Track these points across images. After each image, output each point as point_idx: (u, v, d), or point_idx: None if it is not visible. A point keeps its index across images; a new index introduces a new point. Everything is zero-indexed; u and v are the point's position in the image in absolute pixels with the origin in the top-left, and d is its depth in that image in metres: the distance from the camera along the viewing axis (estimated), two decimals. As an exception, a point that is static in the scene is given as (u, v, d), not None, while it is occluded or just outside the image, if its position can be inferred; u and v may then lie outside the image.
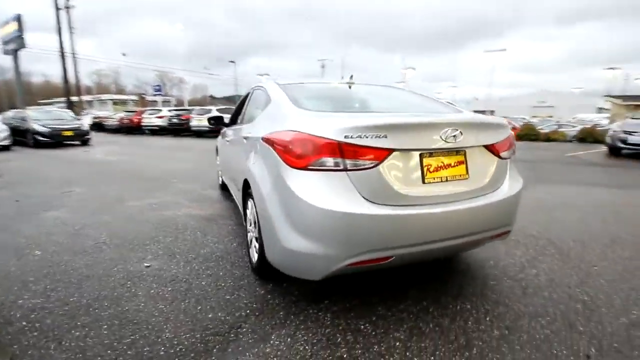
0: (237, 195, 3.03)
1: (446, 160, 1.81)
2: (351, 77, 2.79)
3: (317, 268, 1.72)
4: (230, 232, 3.21)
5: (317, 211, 1.61)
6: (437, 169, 1.78)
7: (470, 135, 1.84)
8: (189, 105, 32.25)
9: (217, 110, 17.28)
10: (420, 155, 1.75)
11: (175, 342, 1.67)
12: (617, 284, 2.23)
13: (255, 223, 2.26)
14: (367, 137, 1.63)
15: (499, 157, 2.00)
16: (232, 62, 45.28)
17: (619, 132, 8.39)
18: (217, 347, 1.64)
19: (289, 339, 1.69)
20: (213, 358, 1.56)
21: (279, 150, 1.79)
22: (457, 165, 1.84)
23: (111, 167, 7.16)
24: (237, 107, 4.06)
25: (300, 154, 1.68)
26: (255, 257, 2.30)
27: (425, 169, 1.76)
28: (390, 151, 1.66)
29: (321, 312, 1.92)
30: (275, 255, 1.89)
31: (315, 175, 1.65)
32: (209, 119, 4.27)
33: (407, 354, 1.59)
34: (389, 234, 1.65)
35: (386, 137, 1.65)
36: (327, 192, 1.63)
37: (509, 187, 2.03)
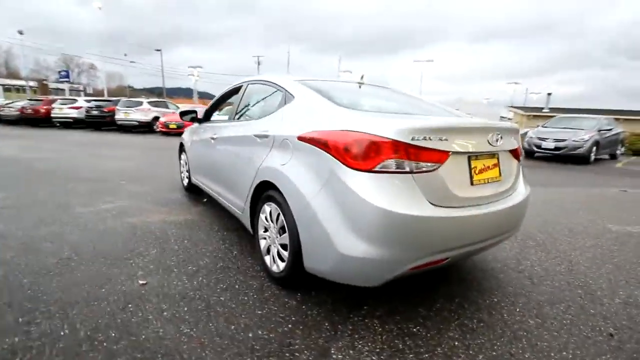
0: (233, 199, 2.76)
1: (487, 162, 1.90)
2: (362, 77, 2.76)
3: (379, 273, 1.65)
4: (222, 238, 2.92)
5: (385, 214, 1.55)
6: (481, 171, 1.86)
7: (504, 140, 1.96)
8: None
9: (150, 102, 15.72)
10: (469, 157, 1.81)
11: (228, 371, 1.45)
12: (596, 269, 2.60)
13: (278, 229, 2.09)
14: (431, 139, 1.62)
15: (518, 160, 2.18)
16: (158, 50, 41.14)
17: (534, 138, 9.90)
18: (278, 369, 1.47)
19: (351, 351, 1.60)
20: (280, 383, 1.39)
21: (335, 151, 1.67)
22: (493, 168, 1.94)
23: (35, 167, 5.96)
24: (215, 103, 3.73)
25: (366, 156, 1.59)
26: (277, 266, 2.12)
27: (472, 171, 1.82)
28: (449, 153, 1.68)
29: (367, 319, 1.85)
30: (323, 263, 1.76)
31: (382, 177, 1.58)
32: (181, 113, 3.83)
33: (470, 352, 1.62)
34: (450, 236, 1.67)
35: (447, 139, 1.67)
36: (394, 195, 1.57)
37: (524, 188, 2.23)
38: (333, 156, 1.68)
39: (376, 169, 1.58)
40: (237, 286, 2.15)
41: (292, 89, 2.26)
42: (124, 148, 9.44)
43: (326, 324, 1.80)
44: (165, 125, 14.35)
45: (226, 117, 3.52)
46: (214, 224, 3.28)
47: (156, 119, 14.89)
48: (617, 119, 13.23)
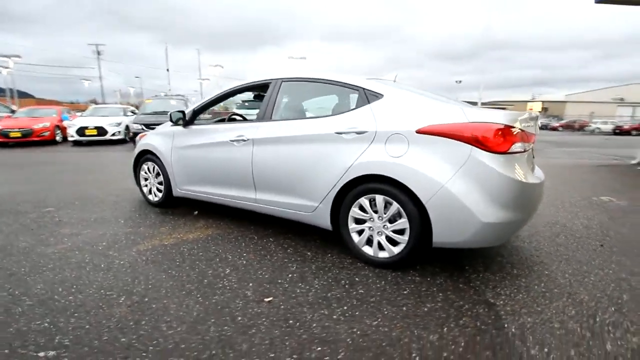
0: (292, 201, 2.66)
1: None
2: (395, 76, 3.05)
3: (507, 234, 2.09)
4: (279, 245, 2.77)
5: (520, 185, 1.99)
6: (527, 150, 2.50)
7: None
8: None
9: None
10: (526, 139, 2.42)
11: None
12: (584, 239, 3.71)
13: (388, 218, 2.25)
14: (528, 127, 2.14)
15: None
16: None
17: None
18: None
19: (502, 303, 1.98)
20: None
21: (474, 139, 1.98)
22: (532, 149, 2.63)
23: None
24: (209, 104, 3.36)
25: (504, 141, 1.97)
26: (389, 250, 2.28)
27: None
28: (534, 135, 2.24)
29: (478, 280, 2.26)
30: (460, 234, 2.04)
31: (513, 157, 2.01)
32: (172, 114, 3.28)
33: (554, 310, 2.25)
34: (538, 200, 2.24)
35: (530, 125, 2.22)
36: (522, 170, 2.03)
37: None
38: (471, 144, 1.99)
39: (510, 151, 1.99)
40: (350, 279, 2.20)
41: (375, 88, 2.41)
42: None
43: (461, 286, 2.12)
44: (4, 134, 10.80)
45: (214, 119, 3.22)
46: (245, 233, 3.02)
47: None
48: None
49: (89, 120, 11.52)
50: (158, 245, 2.75)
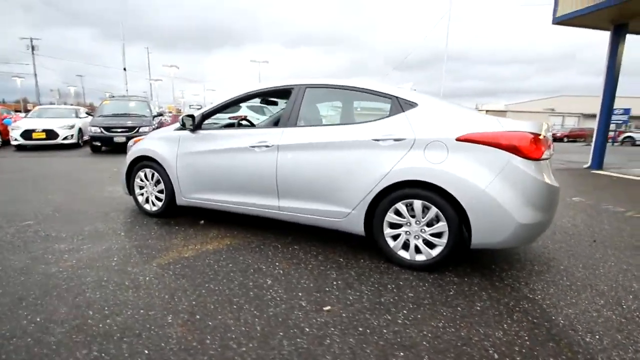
0: (323, 208, 2.64)
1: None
2: (411, 85, 3.17)
3: (537, 233, 2.26)
4: (309, 253, 2.72)
5: (552, 189, 2.19)
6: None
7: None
8: None
9: None
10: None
11: None
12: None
13: (426, 222, 2.34)
14: (548, 135, 2.35)
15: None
16: None
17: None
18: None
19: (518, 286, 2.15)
20: None
21: (512, 147, 2.13)
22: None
23: None
24: (219, 108, 3.23)
25: (536, 149, 2.14)
26: (427, 253, 2.36)
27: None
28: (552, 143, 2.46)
29: (503, 278, 2.43)
30: (498, 235, 2.17)
31: (544, 163, 2.21)
32: (183, 118, 3.10)
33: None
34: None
35: (549, 134, 2.44)
36: (550, 174, 2.24)
37: None
38: (509, 151, 2.15)
39: (542, 157, 2.18)
40: (395, 284, 2.25)
41: (409, 97, 2.49)
42: None
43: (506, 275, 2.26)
44: None
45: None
46: (266, 242, 2.92)
47: None
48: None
49: (36, 123, 10.33)
50: (178, 259, 2.57)
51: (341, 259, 2.62)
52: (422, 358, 1.56)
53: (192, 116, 3.17)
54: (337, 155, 2.58)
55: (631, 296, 2.14)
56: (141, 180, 3.60)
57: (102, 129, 9.47)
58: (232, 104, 3.22)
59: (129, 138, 9.62)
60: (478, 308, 1.98)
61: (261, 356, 1.54)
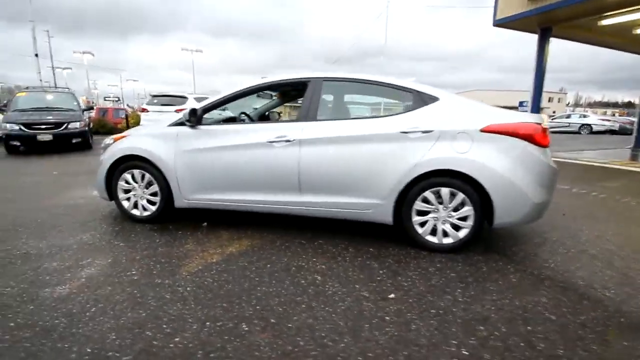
0: (349, 200, 2.68)
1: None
2: (414, 80, 3.30)
3: (543, 211, 2.60)
4: (336, 248, 2.73)
5: (555, 171, 2.54)
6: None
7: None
8: None
9: None
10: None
11: None
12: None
13: (453, 208, 2.54)
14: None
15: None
16: None
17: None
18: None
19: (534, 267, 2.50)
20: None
21: (528, 136, 2.41)
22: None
23: None
24: (221, 102, 3.04)
25: (546, 137, 2.47)
26: (454, 236, 2.57)
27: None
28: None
29: (522, 260, 2.76)
30: (516, 215, 2.47)
31: (548, 149, 2.54)
32: (188, 113, 2.82)
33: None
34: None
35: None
36: (552, 159, 2.58)
37: None
38: (526, 140, 2.43)
39: (548, 144, 2.51)
40: (433, 267, 2.41)
41: (430, 91, 2.64)
42: None
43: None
44: None
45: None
46: (289, 239, 2.85)
47: None
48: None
49: None
50: (208, 265, 2.38)
51: (372, 249, 2.70)
52: (500, 328, 1.73)
53: (194, 110, 2.91)
54: (366, 148, 2.63)
55: (616, 257, 2.62)
56: (127, 183, 3.20)
57: (21, 126, 8.00)
58: (238, 97, 3.03)
59: (55, 136, 8.34)
60: (514, 280, 2.23)
61: (363, 349, 1.56)
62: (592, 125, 20.60)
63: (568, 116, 23.57)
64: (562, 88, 73.40)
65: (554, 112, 46.70)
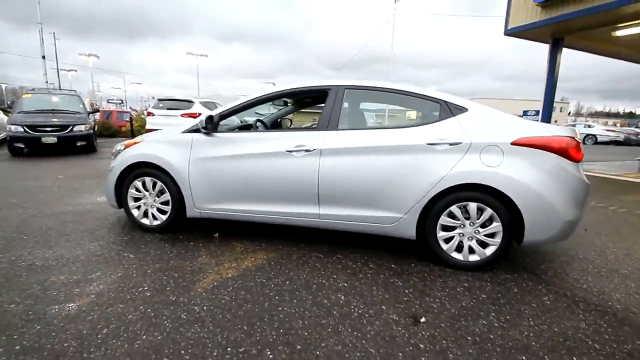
0: (370, 214, 2.56)
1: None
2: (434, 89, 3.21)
3: (574, 230, 2.48)
4: (358, 265, 2.61)
5: (588, 187, 2.42)
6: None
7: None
8: None
9: None
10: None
11: None
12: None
13: (480, 224, 2.42)
14: (578, 138, 2.60)
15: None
16: None
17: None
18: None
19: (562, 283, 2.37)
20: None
21: (561, 151, 2.30)
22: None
23: None
24: (238, 109, 2.93)
25: (580, 152, 2.36)
26: (481, 253, 2.45)
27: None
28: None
29: (548, 281, 2.64)
30: (547, 233, 2.35)
31: (580, 164, 2.42)
32: (205, 120, 2.72)
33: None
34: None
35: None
36: (583, 175, 2.46)
37: None
38: (559, 154, 2.31)
39: (582, 160, 2.40)
40: (461, 287, 2.29)
41: (458, 102, 2.54)
42: None
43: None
44: None
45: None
46: (306, 253, 2.73)
47: None
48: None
49: None
50: (223, 280, 2.26)
51: (393, 265, 2.57)
52: (543, 358, 1.61)
53: (211, 117, 2.81)
54: (390, 160, 2.52)
55: (651, 276, 2.50)
56: (137, 190, 3.09)
57: (25, 128, 7.91)
58: (255, 104, 2.94)
59: (60, 139, 8.25)
60: (548, 303, 2.11)
61: (400, 382, 1.44)
62: (597, 136, 20.54)
63: (573, 126, 23.52)
64: (564, 97, 73.60)
65: (555, 121, 46.81)
